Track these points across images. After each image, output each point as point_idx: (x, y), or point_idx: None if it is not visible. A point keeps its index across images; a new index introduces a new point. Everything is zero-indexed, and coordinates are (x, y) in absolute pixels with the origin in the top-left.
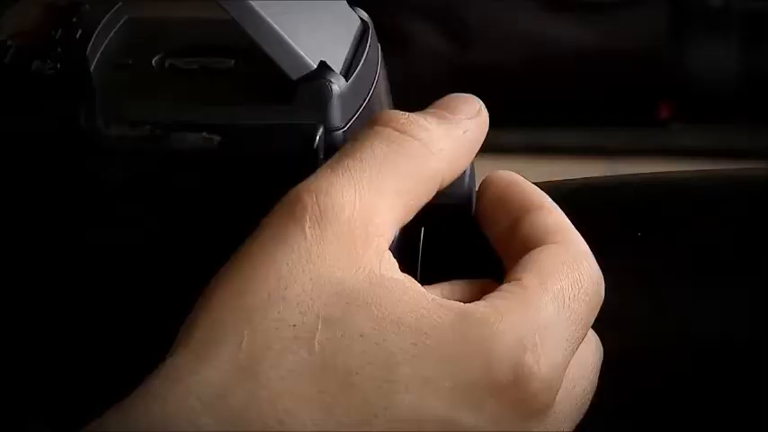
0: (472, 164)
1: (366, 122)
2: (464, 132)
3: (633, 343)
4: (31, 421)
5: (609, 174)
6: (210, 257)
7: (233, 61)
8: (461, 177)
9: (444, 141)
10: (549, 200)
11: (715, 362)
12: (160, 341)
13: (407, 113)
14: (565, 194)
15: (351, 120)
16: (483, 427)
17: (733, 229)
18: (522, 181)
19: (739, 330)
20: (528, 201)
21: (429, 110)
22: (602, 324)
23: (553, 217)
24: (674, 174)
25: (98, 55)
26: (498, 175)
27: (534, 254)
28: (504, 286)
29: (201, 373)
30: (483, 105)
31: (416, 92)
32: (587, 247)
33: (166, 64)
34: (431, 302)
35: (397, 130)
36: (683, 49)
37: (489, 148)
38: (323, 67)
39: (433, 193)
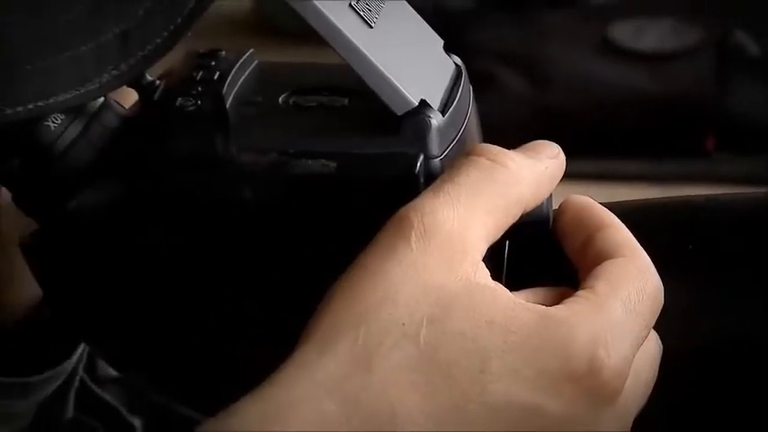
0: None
1: (462, 153)
2: (545, 168)
3: (686, 341)
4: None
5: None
6: (327, 268)
7: (347, 99)
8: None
9: (528, 172)
10: (617, 219)
11: (749, 359)
12: (283, 339)
13: (498, 147)
14: (627, 213)
15: (447, 149)
16: (562, 411)
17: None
18: (594, 204)
19: None
20: (599, 220)
21: (516, 149)
22: (660, 324)
23: (621, 234)
24: (719, 196)
25: (233, 94)
26: (575, 199)
27: (605, 265)
28: (580, 292)
29: (323, 365)
30: (561, 150)
31: (503, 129)
32: (649, 259)
33: (290, 101)
34: (518, 306)
35: (489, 160)
36: (727, 92)
37: (564, 175)
38: (423, 104)
39: (519, 215)
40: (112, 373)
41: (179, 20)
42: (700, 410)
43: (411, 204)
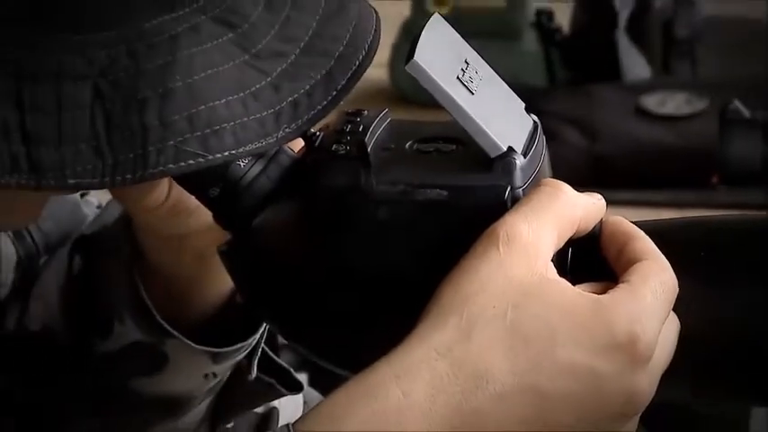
0: None
1: (536, 185)
2: (593, 203)
3: (694, 323)
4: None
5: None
6: (438, 267)
7: (455, 146)
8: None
9: (582, 201)
10: (642, 232)
11: (744, 339)
12: (405, 320)
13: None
14: (655, 229)
15: (527, 182)
16: (610, 371)
17: (763, 252)
18: (623, 221)
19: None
20: (630, 234)
21: None
22: (677, 310)
23: (644, 243)
24: (723, 216)
25: (372, 142)
26: (610, 219)
27: (636, 266)
28: (620, 285)
29: (437, 337)
30: (603, 198)
31: (564, 169)
32: (667, 261)
33: (414, 147)
34: (577, 294)
35: (555, 188)
36: (726, 143)
37: (608, 202)
38: (510, 149)
39: (575, 230)
40: (285, 342)
41: (334, 92)
42: (703, 373)
43: (499, 221)
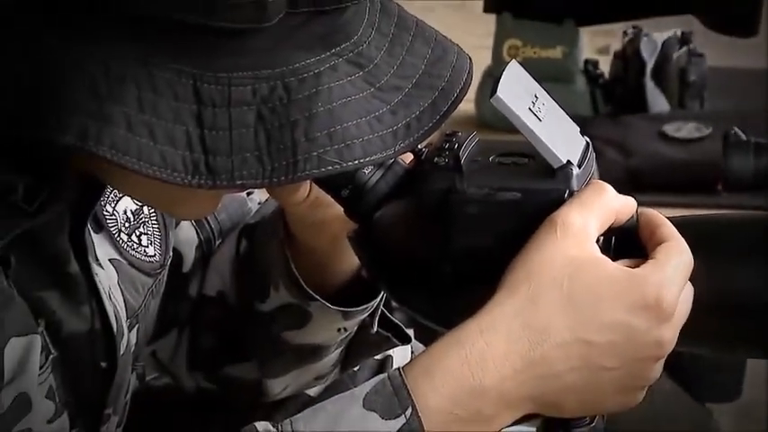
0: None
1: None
2: (627, 201)
3: (708, 294)
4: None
5: None
6: (513, 250)
7: (527, 159)
8: (632, 216)
9: (619, 198)
10: (667, 221)
11: (744, 307)
12: (490, 289)
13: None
14: (678, 221)
15: (581, 187)
16: (641, 325)
17: (758, 241)
18: (658, 214)
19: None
20: (659, 222)
21: None
22: (694, 282)
23: (669, 230)
24: (726, 213)
25: (465, 155)
26: (648, 211)
27: (661, 246)
28: (649, 261)
29: (510, 302)
30: (634, 200)
31: (604, 179)
32: (686, 243)
33: (496, 160)
34: (617, 269)
35: (599, 188)
36: (728, 159)
37: (639, 203)
38: (569, 162)
39: (613, 219)
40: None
41: (437, 117)
42: (718, 333)
43: (556, 212)
